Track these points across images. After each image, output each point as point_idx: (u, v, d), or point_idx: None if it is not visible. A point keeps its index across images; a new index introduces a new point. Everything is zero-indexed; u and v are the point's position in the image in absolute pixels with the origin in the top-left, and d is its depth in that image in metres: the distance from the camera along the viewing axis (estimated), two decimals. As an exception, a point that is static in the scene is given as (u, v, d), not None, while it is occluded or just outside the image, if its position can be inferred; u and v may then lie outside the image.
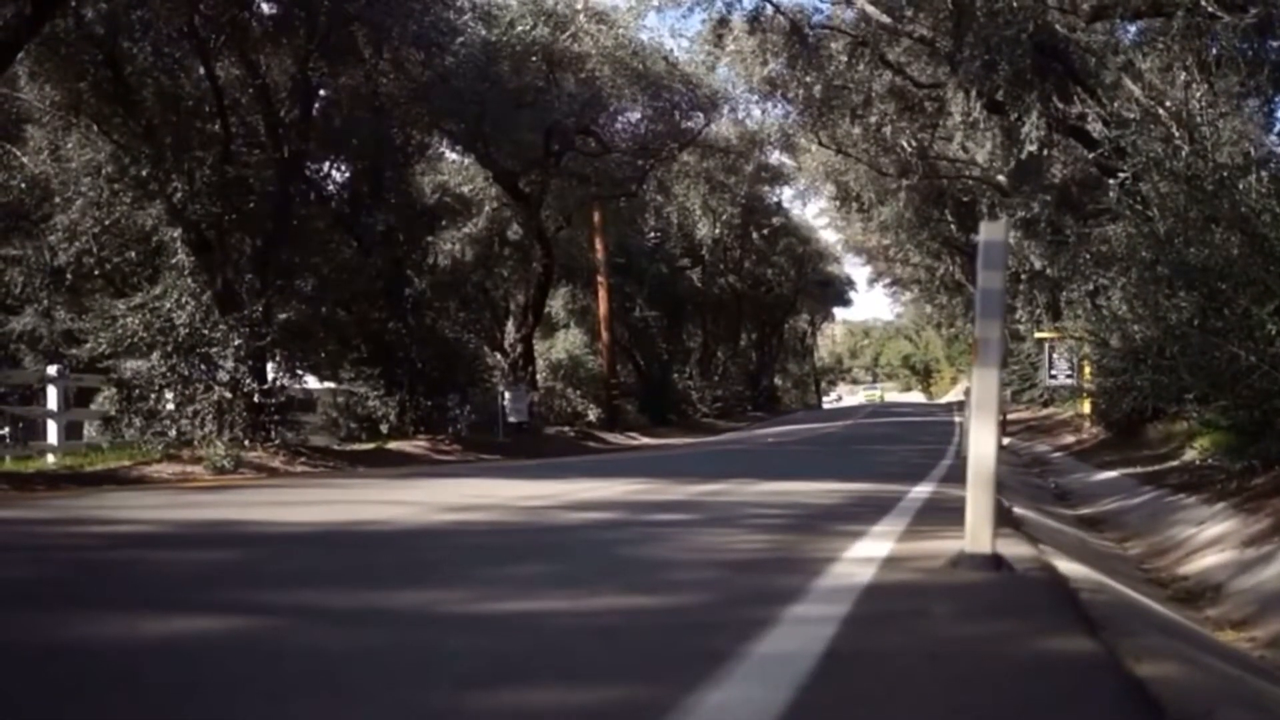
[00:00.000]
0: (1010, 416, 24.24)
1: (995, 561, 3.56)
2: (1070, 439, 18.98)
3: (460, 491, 7.40)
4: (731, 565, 3.77)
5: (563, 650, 2.34)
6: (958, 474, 8.92)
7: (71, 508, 6.13)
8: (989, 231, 3.69)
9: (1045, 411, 26.73)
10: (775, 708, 1.88)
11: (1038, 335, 23.88)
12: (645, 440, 25.97)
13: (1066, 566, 4.16)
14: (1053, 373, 21.02)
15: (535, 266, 24.29)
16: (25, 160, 16.65)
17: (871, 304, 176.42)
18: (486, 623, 2.63)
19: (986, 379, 3.66)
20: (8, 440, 15.39)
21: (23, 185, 16.57)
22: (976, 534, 3.58)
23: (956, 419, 26.43)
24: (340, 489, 8.24)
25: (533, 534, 4.73)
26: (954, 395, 61.68)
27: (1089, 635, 2.59)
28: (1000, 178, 23.57)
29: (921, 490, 7.59)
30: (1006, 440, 19.57)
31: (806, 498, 6.96)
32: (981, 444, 3.65)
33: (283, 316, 15.65)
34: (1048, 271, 22.71)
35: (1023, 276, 25.37)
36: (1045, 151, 18.08)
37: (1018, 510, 6.78)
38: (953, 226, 31.34)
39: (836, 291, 52.82)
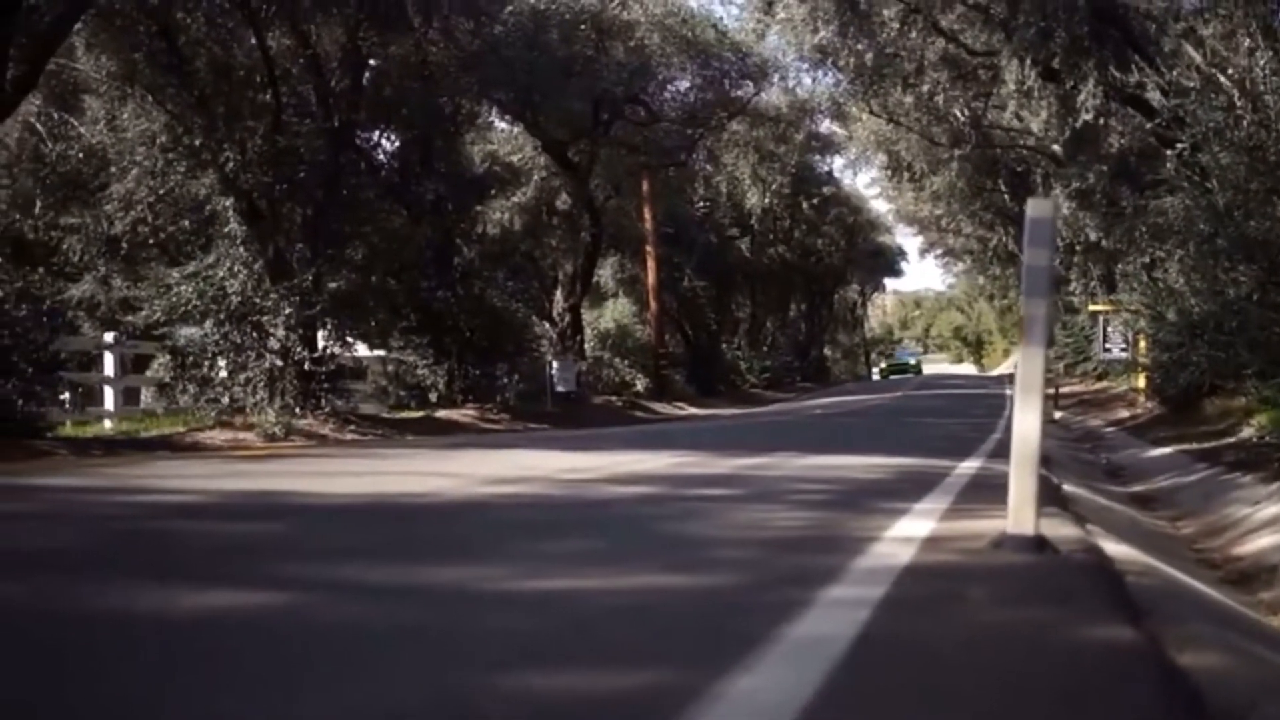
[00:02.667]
0: (1063, 390, 23.95)
1: (1038, 543, 3.51)
2: (1124, 414, 18.71)
3: (504, 463, 7.43)
4: (771, 543, 3.75)
5: (596, 631, 2.34)
6: (1006, 449, 8.83)
7: (121, 475, 6.24)
8: (1036, 208, 3.63)
9: (1099, 385, 26.37)
10: (803, 694, 1.87)
11: (1092, 308, 23.55)
12: (693, 410, 25.96)
13: (1113, 548, 4.09)
14: (1107, 346, 20.72)
15: (583, 236, 24.31)
16: (83, 130, 16.90)
17: (923, 274, 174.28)
18: (522, 601, 2.64)
19: (1032, 357, 3.60)
20: (68, 405, 15.69)
21: (80, 155, 16.82)
22: (1019, 515, 3.53)
23: (1007, 391, 26.14)
24: (386, 459, 8.31)
25: (574, 508, 4.74)
26: (1005, 367, 61.13)
27: (1130, 622, 2.54)
28: (1055, 147, 23.20)
29: (968, 466, 7.50)
30: (1059, 414, 19.35)
31: (851, 472, 6.92)
32: (1026, 422, 3.59)
33: (333, 285, 15.80)
34: (1103, 243, 22.38)
35: (1077, 248, 25.01)
36: (1102, 121, 17.78)
37: (1067, 487, 6.67)
38: (1006, 197, 30.92)
39: (887, 262, 52.40)
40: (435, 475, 6.28)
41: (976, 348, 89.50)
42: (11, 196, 16.44)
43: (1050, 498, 5.52)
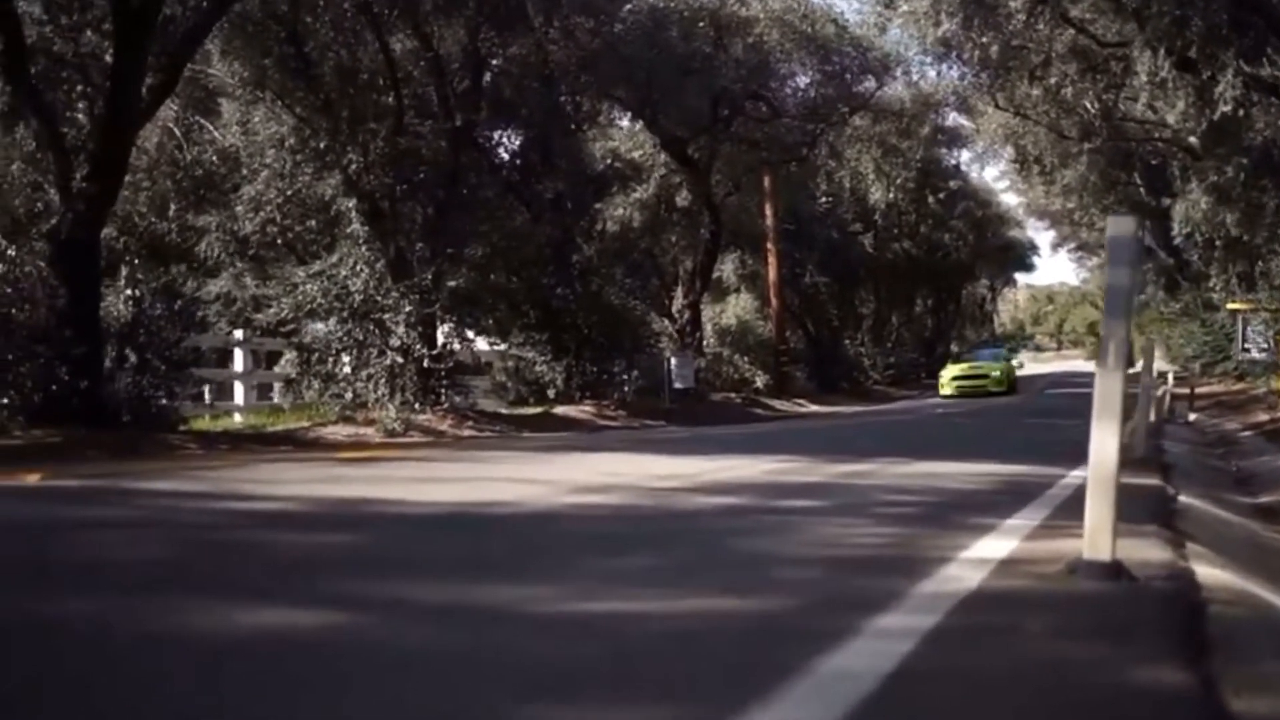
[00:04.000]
0: (1199, 390, 23.10)
1: (1114, 570, 3.42)
2: (1263, 417, 17.93)
3: (599, 468, 7.50)
4: (839, 563, 3.73)
5: (632, 659, 2.37)
6: (1126, 457, 8.52)
7: (223, 479, 6.48)
8: (1117, 226, 3.54)
9: (1238, 386, 25.34)
10: (813, 735, 1.87)
11: (1231, 306, 22.65)
12: (813, 408, 25.76)
13: (1208, 572, 3.95)
14: (1246, 346, 19.94)
15: (703, 233, 24.34)
16: (216, 134, 17.62)
17: (1056, 268, 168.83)
18: (566, 625, 2.68)
19: (1110, 379, 3.51)
20: (206, 400, 16.38)
21: (214, 158, 17.54)
22: (1095, 540, 3.45)
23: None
24: (487, 462, 8.46)
25: (652, 521, 4.77)
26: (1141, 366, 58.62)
27: (1187, 661, 2.46)
28: (1192, 140, 22.33)
29: (1078, 475, 7.22)
30: (1192, 416, 18.68)
31: (950, 482, 6.80)
32: (1103, 447, 3.51)
33: (452, 284, 16.16)
34: (1244, 239, 21.50)
35: (1217, 243, 24.06)
36: (1242, 112, 17.05)
37: (1183, 498, 6.44)
38: (1142, 190, 29.91)
39: (1018, 256, 51.08)
40: (527, 482, 6.38)
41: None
42: (150, 199, 17.22)
43: (1157, 511, 5.35)
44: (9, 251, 11.57)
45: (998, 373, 32.12)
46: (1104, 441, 3.51)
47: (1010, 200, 46.81)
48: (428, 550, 3.85)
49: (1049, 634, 2.74)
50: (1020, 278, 64.48)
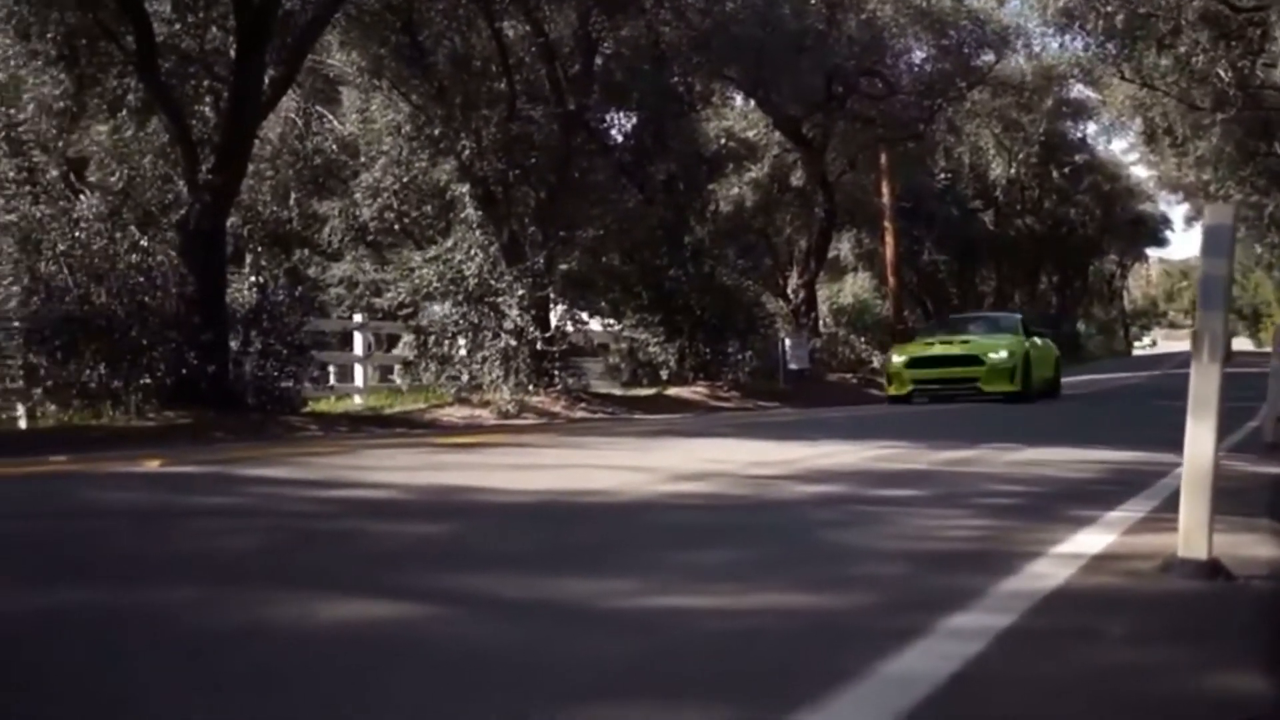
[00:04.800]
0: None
1: (1211, 569, 3.32)
2: None
3: (700, 454, 7.52)
4: (924, 558, 3.68)
5: (691, 658, 2.38)
6: (1254, 441, 8.18)
7: (331, 466, 6.66)
8: (1213, 215, 3.43)
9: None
10: (858, 742, 1.87)
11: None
12: (931, 388, 25.26)
13: (1324, 569, 3.80)
14: (1392, 324, 18.96)
15: (817, 212, 24.10)
16: (336, 124, 18.09)
17: (1191, 243, 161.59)
18: (633, 621, 2.70)
19: (1207, 374, 3.41)
20: (331, 383, 16.90)
21: (333, 147, 18.01)
22: (1190, 538, 3.36)
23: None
24: (591, 448, 8.52)
25: (742, 512, 4.76)
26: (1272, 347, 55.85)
27: (1269, 668, 2.38)
28: (1337, 107, 21.29)
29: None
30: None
31: (1057, 469, 6.64)
32: (1198, 441, 3.41)
33: (564, 267, 16.34)
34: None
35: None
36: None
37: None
38: (1283, 160, 28.61)
39: (1149, 231, 49.37)
40: (625, 469, 6.42)
41: (1253, 321, 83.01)
42: (273, 188, 17.79)
43: (1277, 503, 5.14)
44: (142, 242, 12.12)
45: (1000, 354, 17.12)
46: (1199, 436, 3.42)
47: (1140, 173, 45.31)
48: (511, 542, 3.91)
49: (1127, 637, 2.67)
50: (1152, 253, 62.49)
